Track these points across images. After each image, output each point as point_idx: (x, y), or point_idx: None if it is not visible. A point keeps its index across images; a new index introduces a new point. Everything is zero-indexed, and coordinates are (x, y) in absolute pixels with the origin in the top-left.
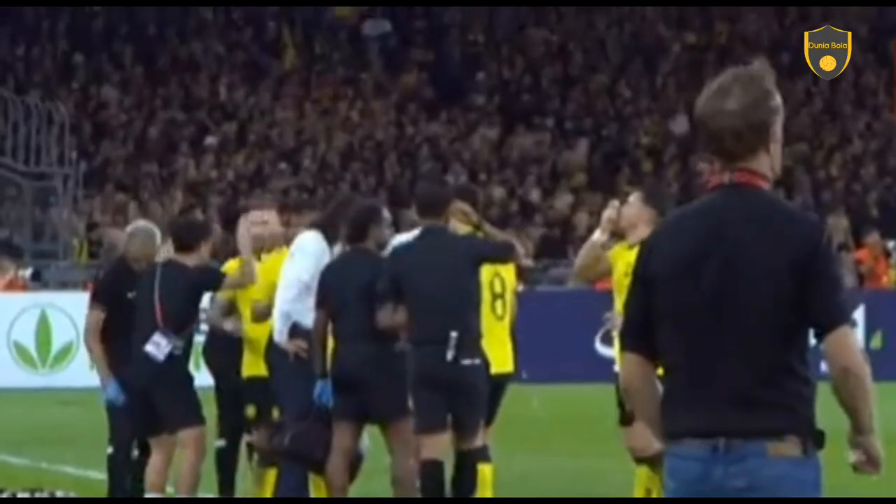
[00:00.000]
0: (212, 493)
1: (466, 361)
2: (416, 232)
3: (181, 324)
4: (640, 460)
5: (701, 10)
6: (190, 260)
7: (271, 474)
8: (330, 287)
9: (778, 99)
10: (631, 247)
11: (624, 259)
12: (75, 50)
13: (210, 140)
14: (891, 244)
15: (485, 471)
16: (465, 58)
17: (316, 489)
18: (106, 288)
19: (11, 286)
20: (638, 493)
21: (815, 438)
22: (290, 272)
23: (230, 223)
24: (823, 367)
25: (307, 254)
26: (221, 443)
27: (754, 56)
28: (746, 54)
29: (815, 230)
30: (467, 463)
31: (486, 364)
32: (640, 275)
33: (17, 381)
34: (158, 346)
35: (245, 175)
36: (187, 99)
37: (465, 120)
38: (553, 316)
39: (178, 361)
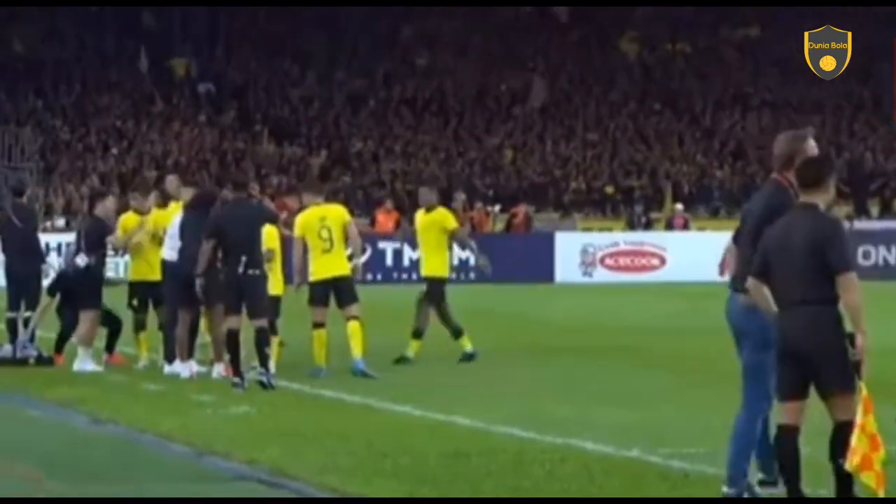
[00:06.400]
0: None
1: (250, 272)
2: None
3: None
4: (318, 325)
5: None
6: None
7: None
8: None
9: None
10: None
11: None
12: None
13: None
14: (496, 208)
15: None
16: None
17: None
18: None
19: None
20: (319, 349)
21: None
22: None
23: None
24: None
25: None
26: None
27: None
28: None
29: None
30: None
31: (264, 276)
32: None
33: None
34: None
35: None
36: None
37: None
38: None
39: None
